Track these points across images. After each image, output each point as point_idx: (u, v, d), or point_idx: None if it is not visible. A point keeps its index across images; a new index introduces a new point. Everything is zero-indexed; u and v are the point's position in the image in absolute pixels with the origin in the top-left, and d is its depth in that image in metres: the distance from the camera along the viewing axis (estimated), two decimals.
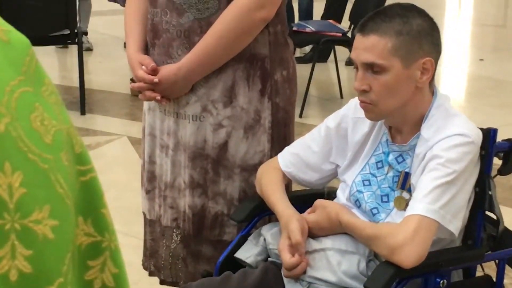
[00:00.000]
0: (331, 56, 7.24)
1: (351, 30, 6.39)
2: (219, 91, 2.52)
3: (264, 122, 2.57)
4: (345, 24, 6.91)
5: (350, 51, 7.37)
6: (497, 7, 13.10)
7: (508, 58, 8.37)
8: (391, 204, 2.23)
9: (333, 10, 7.41)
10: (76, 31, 6.05)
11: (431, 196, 2.06)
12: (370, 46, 2.14)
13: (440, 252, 2.13)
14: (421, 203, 2.06)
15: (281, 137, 2.62)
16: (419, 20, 2.16)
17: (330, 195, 2.48)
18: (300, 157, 2.43)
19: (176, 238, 2.68)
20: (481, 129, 2.20)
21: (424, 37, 2.15)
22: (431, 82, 2.21)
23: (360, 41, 2.16)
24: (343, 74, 7.06)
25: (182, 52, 2.50)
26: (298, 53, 8.04)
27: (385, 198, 2.24)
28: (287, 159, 2.44)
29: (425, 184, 2.08)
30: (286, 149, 2.48)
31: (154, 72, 2.51)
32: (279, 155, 2.47)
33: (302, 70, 6.88)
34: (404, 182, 2.21)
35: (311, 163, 2.42)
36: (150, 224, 2.79)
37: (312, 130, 2.46)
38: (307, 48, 7.86)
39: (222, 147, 2.55)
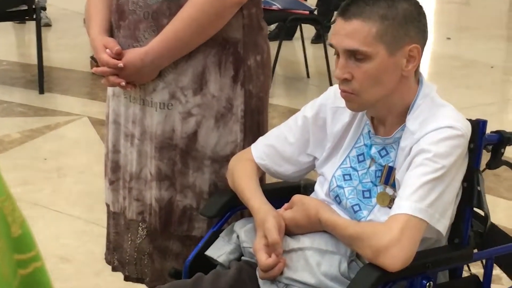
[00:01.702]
0: (297, 33, 7.09)
1: (318, 7, 6.24)
2: (189, 78, 2.37)
3: (237, 111, 2.42)
4: (311, 1, 6.76)
5: (316, 29, 7.30)
6: None
7: (475, 37, 8.27)
8: (374, 200, 2.09)
9: None
10: (34, 6, 5.84)
11: (418, 193, 1.92)
12: (352, 31, 1.99)
13: (427, 252, 2.00)
14: (408, 201, 1.92)
15: (254, 126, 2.47)
16: (405, 4, 2.01)
17: (307, 188, 2.34)
18: (275, 149, 2.28)
19: (142, 232, 2.53)
20: (470, 120, 2.07)
21: (411, 22, 2.00)
22: (417, 71, 2.07)
23: (341, 26, 2.01)
24: (309, 52, 6.92)
25: (149, 35, 2.34)
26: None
27: (367, 194, 2.10)
28: (261, 150, 2.29)
29: (412, 181, 1.94)
30: (260, 139, 2.33)
31: (119, 56, 2.34)
32: (253, 146, 2.32)
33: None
34: (388, 177, 2.07)
35: (287, 155, 2.27)
36: (114, 216, 2.63)
37: (288, 120, 2.30)
38: (272, 26, 7.69)
39: (191, 137, 2.40)
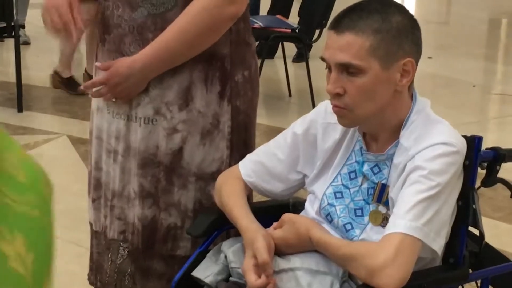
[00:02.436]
0: (279, 52, 7.04)
1: (300, 25, 6.20)
2: (174, 93, 2.30)
3: (224, 127, 2.35)
4: (293, 19, 6.71)
5: (298, 48, 7.25)
6: (439, 3, 13.06)
7: (455, 56, 8.26)
8: (366, 218, 2.02)
9: (280, 6, 7.21)
10: (12, 24, 5.76)
11: (413, 212, 1.86)
12: (345, 45, 1.93)
13: (423, 272, 1.94)
14: (403, 219, 1.86)
15: (241, 142, 2.41)
16: (399, 17, 1.96)
17: (296, 207, 2.27)
18: (263, 165, 2.21)
19: (123, 252, 2.45)
20: (465, 137, 2.01)
21: (405, 36, 1.95)
22: (411, 85, 2.01)
23: (334, 39, 1.95)
24: (291, 71, 6.87)
25: (134, 49, 2.29)
26: None
27: (359, 212, 2.04)
28: (249, 167, 2.23)
29: (406, 199, 1.88)
30: (248, 156, 2.26)
31: (106, 68, 2.28)
32: (240, 164, 2.25)
33: None
34: (381, 195, 2.01)
35: (276, 172, 2.20)
36: (96, 235, 2.55)
37: (277, 137, 2.24)
38: None
39: (176, 154, 2.33)
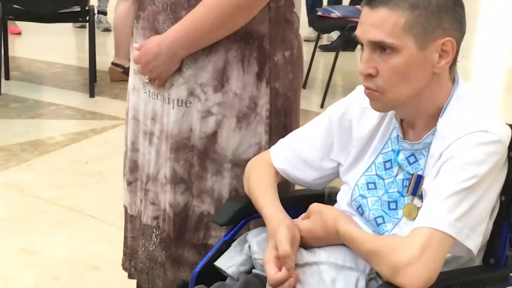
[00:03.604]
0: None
1: None
2: (209, 74, 2.18)
3: (261, 111, 2.22)
4: None
5: None
6: None
7: None
8: (400, 212, 1.86)
9: None
10: (87, 8, 5.73)
11: (445, 205, 1.69)
12: (378, 21, 1.77)
13: (454, 272, 1.76)
14: (433, 213, 1.69)
15: (281, 127, 2.27)
16: None
17: (332, 197, 2.12)
18: (295, 152, 2.07)
19: (155, 239, 2.35)
20: (511, 125, 1.83)
21: (445, 12, 1.78)
22: (452, 67, 1.84)
23: (367, 15, 1.80)
24: None
25: (168, 27, 2.19)
26: (325, 40, 7.67)
27: (393, 205, 1.88)
28: (281, 153, 2.09)
29: (439, 190, 1.71)
30: (280, 142, 2.12)
31: (140, 48, 2.21)
32: (272, 149, 2.12)
33: (329, 59, 6.55)
34: (416, 187, 1.84)
35: (309, 159, 2.06)
36: (131, 220, 2.46)
37: (312, 121, 2.09)
38: (334, 36, 7.48)
39: (210, 138, 2.21)
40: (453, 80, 1.85)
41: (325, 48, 7.16)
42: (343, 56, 5.95)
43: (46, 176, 4.36)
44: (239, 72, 2.19)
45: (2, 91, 5.70)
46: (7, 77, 6.03)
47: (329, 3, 7.38)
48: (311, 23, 6.32)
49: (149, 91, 2.28)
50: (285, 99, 2.26)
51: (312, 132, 2.07)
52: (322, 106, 5.68)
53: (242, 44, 2.18)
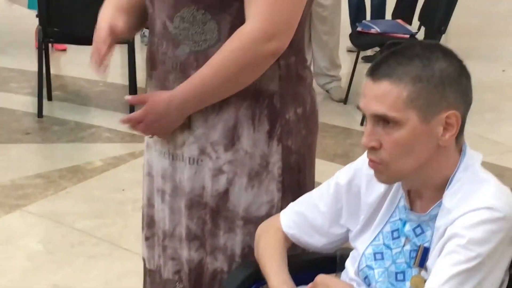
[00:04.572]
0: None
1: (420, 31, 5.93)
2: (220, 132, 2.16)
3: (273, 168, 2.19)
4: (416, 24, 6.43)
5: None
6: None
7: None
8: (407, 284, 1.82)
9: (404, 6, 6.92)
10: None
11: (448, 286, 1.65)
12: (381, 94, 1.74)
13: None
14: None
15: (295, 184, 2.24)
16: (443, 64, 1.74)
17: (344, 259, 2.08)
18: (305, 217, 2.04)
19: None
20: None
21: (449, 85, 1.73)
22: (459, 138, 1.79)
23: (370, 87, 1.76)
24: None
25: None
26: (369, 51, 7.57)
27: (400, 276, 1.84)
28: (290, 218, 2.06)
29: (441, 271, 1.67)
30: (291, 206, 2.09)
31: (142, 101, 2.17)
32: (282, 213, 2.09)
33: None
34: (423, 259, 1.80)
35: (318, 224, 2.03)
36: (150, 274, 2.45)
37: (321, 185, 2.06)
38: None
39: (222, 196, 2.19)
40: (460, 151, 1.81)
41: (368, 60, 7.07)
42: None
43: (83, 204, 4.39)
44: (250, 131, 2.16)
45: (44, 113, 5.75)
46: (50, 98, 6.07)
47: (372, 15, 7.29)
48: (351, 39, 6.24)
49: (159, 150, 2.27)
50: (298, 156, 2.23)
51: (320, 197, 2.04)
52: (362, 123, 5.59)
53: (253, 102, 2.15)
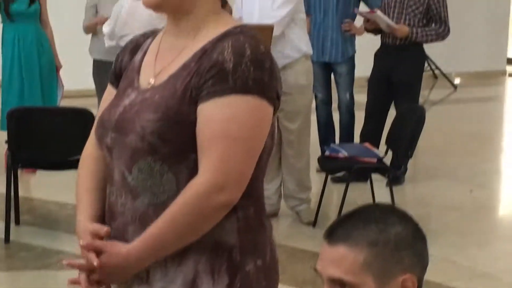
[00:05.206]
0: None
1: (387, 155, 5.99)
2: (178, 286, 2.16)
3: None
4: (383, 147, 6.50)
5: (386, 177, 6.94)
6: None
7: None
8: None
9: (369, 128, 7.03)
10: None
11: None
12: (337, 258, 1.75)
13: None
14: None
15: None
16: (399, 228, 1.76)
17: None
18: None
19: None
20: None
21: (404, 249, 1.75)
22: None
23: (326, 250, 1.78)
24: (380, 197, 6.56)
25: None
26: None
27: None
28: None
29: None
30: None
31: (98, 250, 2.17)
32: None
33: (340, 190, 6.43)
34: None
35: None
36: None
37: None
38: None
39: None
40: None
41: (336, 180, 7.10)
42: (355, 187, 5.86)
43: None
44: (209, 284, 2.16)
45: (11, 238, 5.69)
46: (17, 222, 6.02)
47: (341, 137, 7.36)
48: (319, 163, 6.27)
49: None
50: None
51: None
52: None
53: (211, 256, 2.15)
